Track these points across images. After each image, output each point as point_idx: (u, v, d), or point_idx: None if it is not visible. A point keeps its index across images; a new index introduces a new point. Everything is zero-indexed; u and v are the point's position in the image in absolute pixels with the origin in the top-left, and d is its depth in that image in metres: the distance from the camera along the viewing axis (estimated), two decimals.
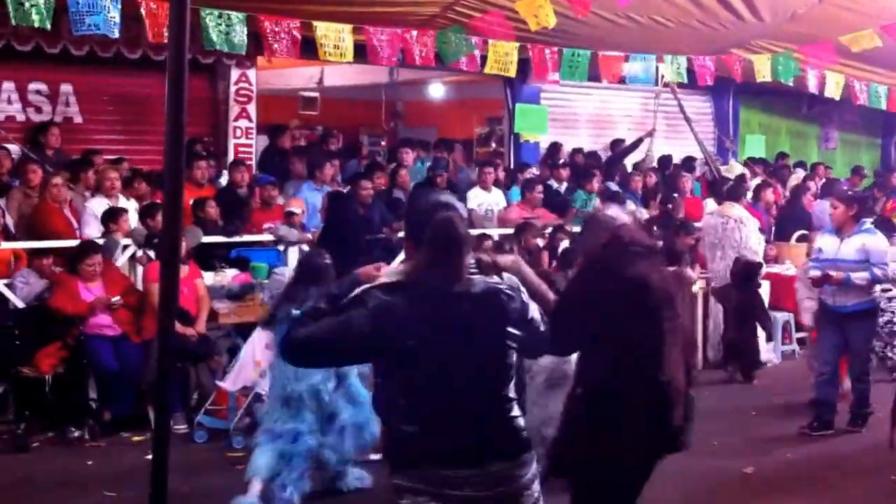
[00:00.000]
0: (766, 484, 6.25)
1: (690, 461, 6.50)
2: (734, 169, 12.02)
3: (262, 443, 5.62)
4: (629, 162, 12.39)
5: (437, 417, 3.16)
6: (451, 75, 12.67)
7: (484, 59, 9.67)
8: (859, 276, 6.89)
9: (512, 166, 11.98)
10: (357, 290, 3.22)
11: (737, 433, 7.31)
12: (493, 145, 13.68)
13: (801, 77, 11.58)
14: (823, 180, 13.11)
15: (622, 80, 11.11)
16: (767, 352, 9.53)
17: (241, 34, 8.29)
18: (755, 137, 14.29)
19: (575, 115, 13.17)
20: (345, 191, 8.60)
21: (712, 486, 6.16)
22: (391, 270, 3.39)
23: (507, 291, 3.26)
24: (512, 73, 9.84)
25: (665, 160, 12.76)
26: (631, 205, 9.99)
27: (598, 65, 10.28)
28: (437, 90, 14.44)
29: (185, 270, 7.36)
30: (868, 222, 7.18)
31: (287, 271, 8.03)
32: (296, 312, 5.29)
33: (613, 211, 4.37)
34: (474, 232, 9.59)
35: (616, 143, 12.75)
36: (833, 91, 11.95)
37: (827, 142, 15.94)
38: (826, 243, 7.18)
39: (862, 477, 6.43)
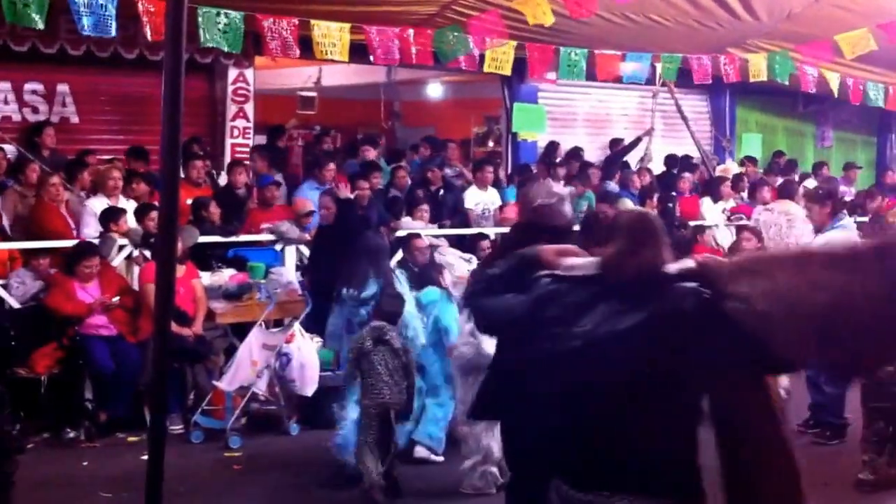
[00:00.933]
0: None
1: None
2: (731, 168, 12.01)
3: None
4: (630, 161, 12.40)
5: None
6: (449, 74, 12.68)
7: (482, 58, 9.68)
8: None
9: (510, 165, 11.99)
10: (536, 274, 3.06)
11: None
12: (491, 144, 13.68)
13: (797, 76, 11.59)
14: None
15: (620, 80, 11.12)
16: None
17: (238, 33, 8.28)
18: (752, 136, 14.32)
19: (573, 114, 13.18)
20: (352, 196, 8.47)
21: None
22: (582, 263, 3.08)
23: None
24: (507, 71, 9.85)
25: (671, 159, 12.81)
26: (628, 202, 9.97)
27: (595, 64, 10.28)
28: (434, 89, 14.45)
29: (181, 270, 7.37)
30: (845, 217, 7.17)
31: (284, 271, 8.05)
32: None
33: (546, 189, 4.55)
34: (472, 232, 9.65)
35: (615, 143, 12.76)
36: (831, 90, 11.95)
37: (823, 140, 15.95)
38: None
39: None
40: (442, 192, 10.04)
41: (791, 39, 11.31)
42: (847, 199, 10.75)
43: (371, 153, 10.68)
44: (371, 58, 9.28)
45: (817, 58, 11.57)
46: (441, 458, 6.46)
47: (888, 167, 15.41)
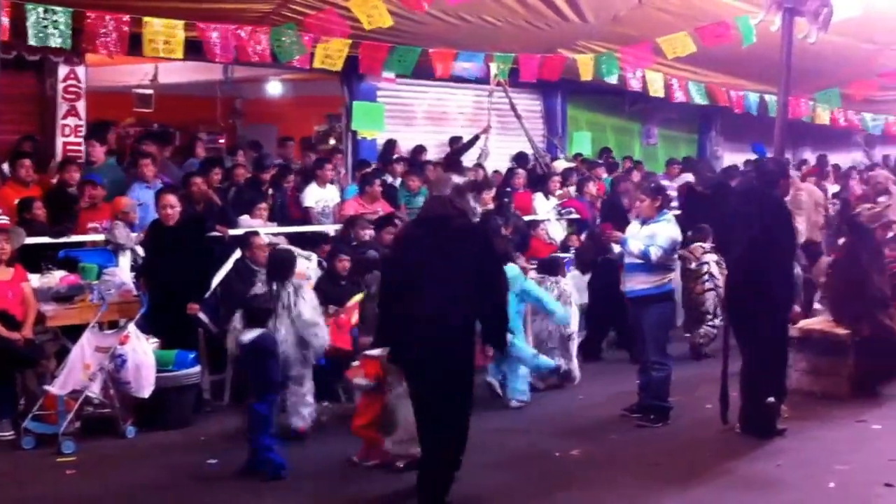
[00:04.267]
0: (593, 464, 6.57)
1: (520, 445, 6.88)
2: (561, 164, 12.50)
3: None
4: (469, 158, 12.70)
5: None
6: (290, 72, 12.68)
7: (313, 54, 9.80)
8: (635, 245, 7.38)
9: (351, 163, 12.12)
10: None
11: (566, 418, 7.68)
12: (333, 142, 13.76)
13: (624, 76, 12.16)
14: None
15: (456, 78, 11.41)
16: None
17: (67, 30, 8.09)
18: (582, 134, 14.93)
19: (412, 112, 13.38)
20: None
21: (543, 468, 6.44)
22: None
23: None
24: (339, 67, 10.01)
25: (521, 157, 13.26)
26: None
27: (430, 61, 10.55)
28: (275, 87, 14.42)
29: (9, 273, 7.21)
30: (668, 213, 7.67)
31: (119, 272, 7.92)
32: None
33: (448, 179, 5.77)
34: (313, 229, 9.74)
35: (454, 140, 13.04)
36: (654, 90, 12.60)
37: (648, 138, 16.74)
38: (631, 229, 7.70)
39: (687, 452, 6.82)
40: (271, 190, 10.05)
41: (617, 41, 11.85)
42: (670, 192, 11.34)
43: (203, 150, 10.62)
44: (207, 55, 9.26)
45: (641, 59, 12.17)
46: None
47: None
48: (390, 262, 6.17)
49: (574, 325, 8.76)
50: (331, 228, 9.81)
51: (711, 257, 9.75)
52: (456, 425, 5.53)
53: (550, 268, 9.01)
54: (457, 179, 5.76)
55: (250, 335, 6.37)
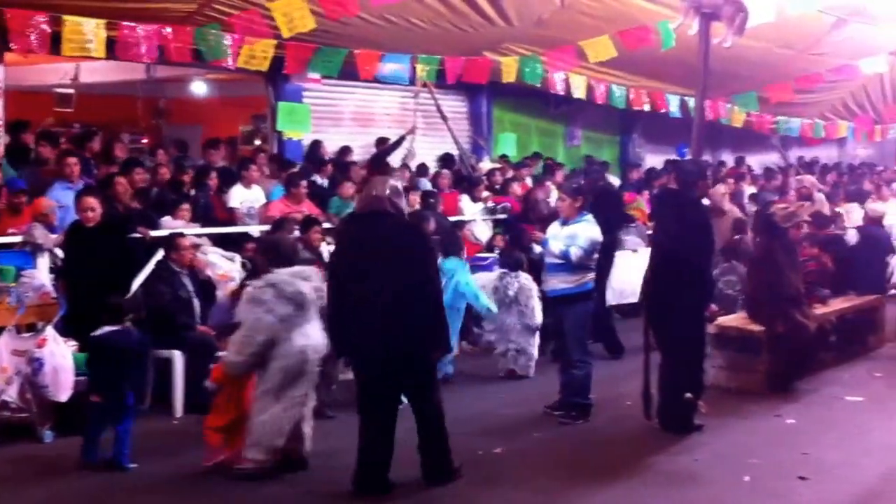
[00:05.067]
0: (516, 461, 6.65)
1: (452, 442, 6.90)
2: (486, 165, 12.61)
3: None
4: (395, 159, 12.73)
5: None
6: (215, 72, 12.58)
7: (237, 55, 9.75)
8: (556, 246, 7.49)
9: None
10: None
11: (490, 417, 7.75)
12: (259, 143, 13.67)
13: (548, 79, 12.30)
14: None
15: (382, 80, 11.43)
16: None
17: None
18: (507, 136, 15.08)
19: (339, 112, 13.37)
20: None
21: (466, 467, 6.35)
22: None
23: None
24: (264, 68, 9.96)
25: (447, 158, 13.35)
26: None
27: (355, 63, 10.56)
28: (199, 87, 14.27)
29: None
30: (588, 214, 7.79)
31: (37, 274, 7.77)
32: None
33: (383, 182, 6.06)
34: (237, 230, 9.67)
35: (380, 141, 13.05)
36: (577, 92, 12.78)
37: (572, 139, 16.95)
38: (552, 229, 7.76)
39: (607, 449, 6.95)
40: (193, 191, 9.95)
41: (541, 44, 12.00)
42: None
43: (122, 151, 10.46)
44: (129, 55, 9.14)
45: (565, 62, 12.34)
46: None
47: (631, 164, 16.63)
48: (334, 256, 6.37)
49: (538, 317, 8.93)
50: (256, 229, 9.73)
51: None
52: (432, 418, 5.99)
53: (512, 263, 9.27)
54: (393, 180, 6.17)
55: (102, 331, 6.39)
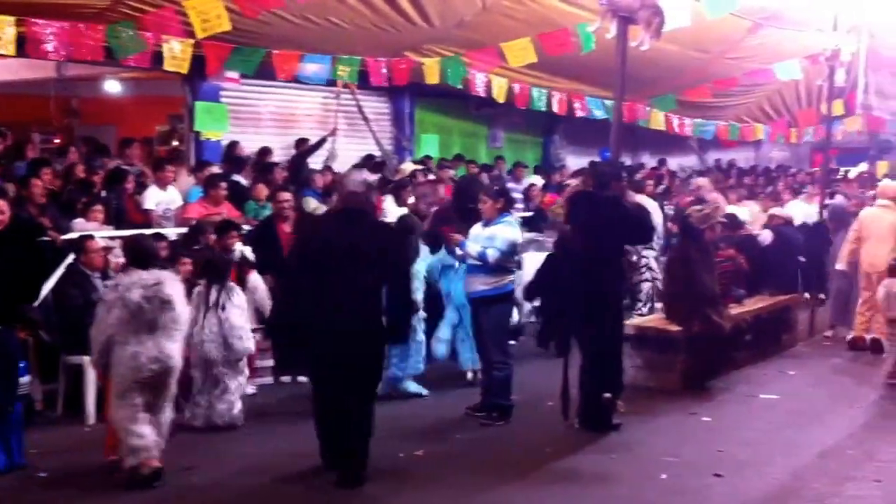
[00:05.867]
0: (437, 464, 6.62)
1: (372, 446, 6.84)
2: (407, 167, 12.56)
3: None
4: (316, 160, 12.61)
5: None
6: (129, 71, 12.29)
7: (159, 55, 9.54)
8: (473, 248, 7.51)
9: (193, 164, 11.83)
10: None
11: (413, 419, 7.71)
12: (176, 143, 13.42)
13: (469, 81, 12.31)
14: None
15: (303, 80, 11.31)
16: None
17: None
18: (430, 137, 15.08)
19: (258, 113, 13.21)
20: None
21: (387, 470, 6.39)
22: None
23: None
24: (185, 69, 9.78)
25: (369, 159, 13.17)
26: None
27: (274, 63, 10.43)
28: (113, 86, 13.95)
29: None
30: (509, 216, 7.82)
31: None
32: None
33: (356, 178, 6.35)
34: (154, 232, 9.44)
35: (301, 142, 12.94)
36: (498, 94, 12.81)
37: (494, 141, 17.02)
38: (474, 230, 7.74)
39: (527, 449, 6.96)
40: (104, 192, 9.72)
41: (463, 45, 11.98)
42: (515, 195, 11.56)
43: (35, 151, 10.17)
44: (40, 52, 8.87)
45: (486, 63, 12.35)
46: None
47: (553, 166, 16.74)
48: (299, 255, 6.40)
49: (514, 316, 8.93)
50: (172, 232, 9.53)
51: (651, 252, 11.13)
52: (359, 416, 6.06)
53: None
54: (368, 177, 6.63)
55: None
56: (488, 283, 7.55)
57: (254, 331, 7.88)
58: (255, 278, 8.55)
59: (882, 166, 22.12)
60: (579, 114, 14.52)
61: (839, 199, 13.08)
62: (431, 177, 12.59)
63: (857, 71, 12.72)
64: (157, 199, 10.00)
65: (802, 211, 13.53)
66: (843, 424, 7.71)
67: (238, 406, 7.46)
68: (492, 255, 7.45)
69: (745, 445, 7.07)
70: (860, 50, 12.49)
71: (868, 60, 12.65)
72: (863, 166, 22.70)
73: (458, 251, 7.78)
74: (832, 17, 12.00)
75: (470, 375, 8.81)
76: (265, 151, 12.48)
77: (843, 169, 22.07)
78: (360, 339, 5.95)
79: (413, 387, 8.48)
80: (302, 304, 6.01)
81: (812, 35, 12.84)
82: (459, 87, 12.21)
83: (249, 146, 12.50)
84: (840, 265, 10.98)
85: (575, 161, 17.05)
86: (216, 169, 10.97)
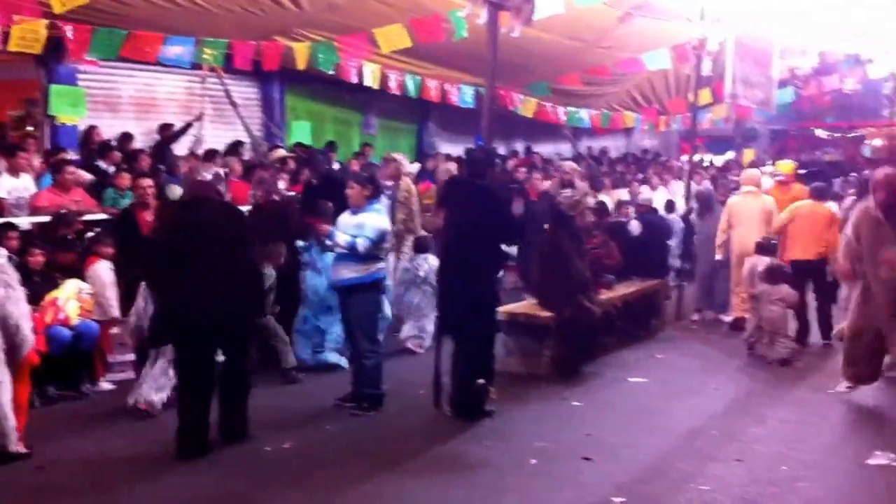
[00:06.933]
0: (305, 456, 6.46)
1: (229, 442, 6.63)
2: (278, 154, 12.26)
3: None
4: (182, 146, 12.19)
5: None
6: None
7: (6, 35, 9.02)
8: (343, 238, 7.36)
9: (49, 150, 11.27)
10: None
11: (279, 411, 7.51)
12: (32, 128, 12.75)
13: (341, 66, 12.07)
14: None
15: (166, 63, 10.88)
16: None
17: None
18: (301, 124, 14.76)
19: (118, 97, 12.67)
20: None
21: (253, 464, 6.27)
22: None
23: None
24: (38, 50, 9.28)
25: (237, 145, 12.87)
26: None
27: (135, 45, 10.00)
28: None
29: None
30: (378, 203, 7.69)
31: None
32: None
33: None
34: (4, 221, 8.92)
35: (165, 128, 12.48)
36: (371, 80, 12.62)
37: (368, 128, 16.80)
38: (342, 218, 7.62)
39: (398, 438, 6.87)
40: None
41: (334, 30, 11.73)
42: (387, 182, 11.40)
43: None
44: None
45: (359, 49, 12.14)
46: None
47: (427, 153, 16.66)
48: (159, 242, 6.78)
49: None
50: (25, 221, 9.03)
51: None
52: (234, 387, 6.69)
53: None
54: (216, 169, 7.09)
55: None
56: (357, 271, 7.42)
57: (100, 323, 7.70)
58: (96, 268, 8.18)
59: (748, 153, 22.98)
60: (453, 101, 14.44)
61: (706, 186, 13.41)
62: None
63: (724, 60, 13.00)
64: (8, 186, 9.46)
65: (664, 197, 13.86)
66: (708, 405, 7.86)
67: None
68: (361, 244, 7.32)
69: (614, 428, 7.13)
70: (727, 40, 12.77)
71: (734, 50, 12.94)
72: (730, 154, 23.56)
73: (328, 242, 7.59)
74: (699, 7, 12.25)
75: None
76: (127, 137, 11.99)
77: (707, 157, 22.82)
78: (221, 317, 6.38)
79: (333, 357, 8.81)
80: (166, 289, 6.47)
81: (680, 25, 13.07)
82: (331, 72, 11.95)
83: (109, 132, 12.00)
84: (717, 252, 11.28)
85: (449, 148, 16.99)
86: (71, 155, 10.47)
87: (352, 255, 7.37)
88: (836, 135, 27.05)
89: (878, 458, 6.44)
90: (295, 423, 7.26)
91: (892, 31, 15.52)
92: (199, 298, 6.31)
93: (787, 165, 12.71)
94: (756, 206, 10.94)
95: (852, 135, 26.58)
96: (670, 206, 13.37)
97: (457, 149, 16.01)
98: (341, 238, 7.36)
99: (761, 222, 10.76)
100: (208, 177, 6.74)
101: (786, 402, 7.84)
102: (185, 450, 6.32)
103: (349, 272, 7.42)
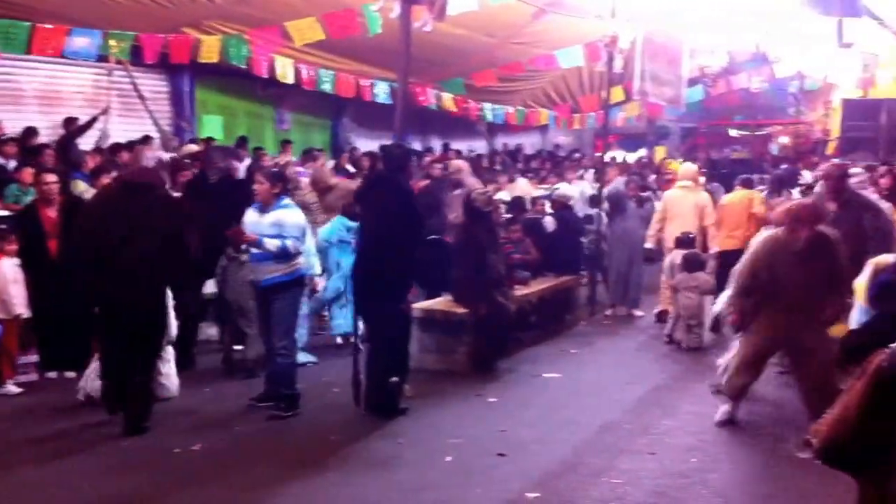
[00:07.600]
0: (217, 458, 6.32)
1: (136, 445, 6.48)
2: (190, 148, 12.00)
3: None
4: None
5: None
6: None
7: None
8: (272, 243, 7.20)
9: None
10: None
11: (190, 414, 7.34)
12: None
13: (253, 60, 11.88)
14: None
15: (72, 56, 10.55)
16: None
17: None
18: (212, 118, 14.50)
19: (20, 91, 12.28)
20: None
21: (161, 468, 6.12)
22: None
23: None
24: None
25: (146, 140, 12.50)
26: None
27: (40, 38, 9.66)
28: None
29: None
30: (287, 199, 7.57)
31: None
32: None
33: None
34: None
35: (69, 122, 12.11)
36: (282, 75, 12.44)
37: (281, 123, 16.59)
38: (249, 217, 7.40)
39: (313, 438, 6.78)
40: None
41: (246, 23, 11.53)
42: (303, 179, 11.25)
43: None
44: None
45: (271, 43, 11.96)
46: None
47: (342, 149, 16.52)
48: (95, 216, 6.88)
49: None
50: None
51: None
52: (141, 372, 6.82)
53: None
54: (160, 155, 7.46)
55: None
56: (280, 270, 7.31)
57: (3, 322, 7.50)
58: None
59: (660, 151, 23.38)
60: (367, 96, 14.33)
61: (616, 185, 13.54)
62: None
63: (634, 58, 13.17)
64: None
65: (579, 192, 13.97)
66: (621, 399, 7.94)
67: None
68: (291, 245, 7.26)
69: (528, 424, 7.15)
70: (637, 37, 12.94)
71: (644, 48, 13.11)
72: (642, 151, 23.92)
73: (254, 249, 7.34)
74: (611, 5, 12.37)
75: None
76: (31, 132, 11.61)
77: (620, 154, 23.12)
78: (141, 304, 6.70)
79: (302, 356, 8.42)
80: (92, 267, 6.64)
81: (592, 23, 13.18)
82: (242, 66, 11.74)
83: (11, 126, 11.59)
84: (648, 243, 11.51)
85: (365, 144, 16.88)
86: None
87: (271, 254, 7.24)
88: (744, 133, 27.68)
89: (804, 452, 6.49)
90: (205, 424, 7.11)
91: (795, 31, 15.90)
92: (119, 286, 6.55)
93: (678, 164, 13.06)
94: (691, 201, 11.17)
95: (760, 133, 27.26)
96: (594, 200, 13.37)
97: (373, 144, 15.91)
98: (271, 244, 7.19)
99: (696, 217, 11.00)
100: (151, 163, 7.00)
101: (697, 394, 7.96)
102: (108, 396, 6.88)
103: (273, 271, 7.28)
